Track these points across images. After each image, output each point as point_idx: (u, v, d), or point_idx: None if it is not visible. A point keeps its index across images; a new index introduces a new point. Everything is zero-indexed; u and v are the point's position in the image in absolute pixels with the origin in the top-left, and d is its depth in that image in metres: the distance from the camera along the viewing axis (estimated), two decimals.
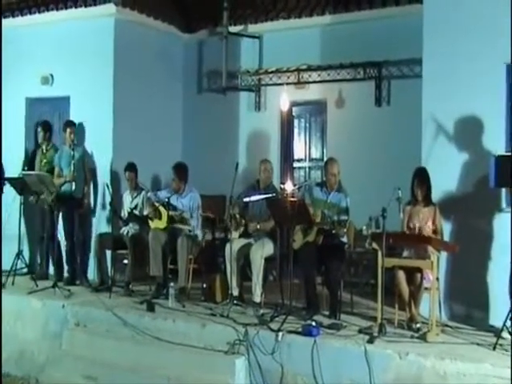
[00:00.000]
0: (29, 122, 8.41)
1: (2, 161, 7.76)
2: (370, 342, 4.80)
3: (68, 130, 7.37)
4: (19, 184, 7.20)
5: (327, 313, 5.69)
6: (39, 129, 7.69)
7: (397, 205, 5.23)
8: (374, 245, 5.27)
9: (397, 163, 7.10)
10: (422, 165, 5.72)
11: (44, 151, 7.67)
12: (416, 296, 5.27)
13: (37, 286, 6.77)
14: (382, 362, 4.63)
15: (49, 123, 7.77)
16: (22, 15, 8.23)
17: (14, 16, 8.29)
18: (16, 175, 7.51)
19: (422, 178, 5.48)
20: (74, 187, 7.20)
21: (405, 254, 5.57)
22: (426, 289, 5.23)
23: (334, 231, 5.59)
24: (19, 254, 7.18)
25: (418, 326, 5.20)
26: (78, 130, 7.67)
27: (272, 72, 8.28)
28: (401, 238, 5.40)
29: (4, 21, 8.35)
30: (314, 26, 7.98)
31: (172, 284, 6.18)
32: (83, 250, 7.32)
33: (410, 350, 4.63)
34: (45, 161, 7.62)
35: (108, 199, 7.26)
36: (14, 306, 6.47)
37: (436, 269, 5.17)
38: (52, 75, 8.16)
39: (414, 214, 5.50)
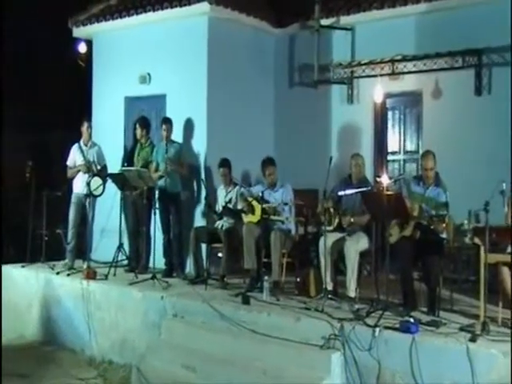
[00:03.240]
0: (127, 119, 8.73)
1: (106, 158, 8.12)
2: (473, 340, 4.60)
3: (164, 126, 7.55)
4: (120, 180, 7.51)
5: (425, 309, 5.52)
6: (137, 125, 7.88)
7: (500, 198, 4.99)
8: (476, 240, 5.04)
9: (499, 154, 6.79)
10: None
11: (142, 147, 7.87)
12: None
13: (137, 277, 7.03)
14: (486, 361, 4.42)
15: (146, 120, 7.94)
16: (121, 17, 8.57)
17: (113, 19, 8.65)
18: (116, 171, 7.79)
19: None
20: (169, 182, 7.42)
21: (509, 249, 5.28)
22: None
23: (432, 226, 5.40)
24: (120, 246, 7.50)
25: None
26: (186, 126, 7.93)
27: (365, 64, 8.13)
28: (505, 232, 5.13)
29: (104, 24, 8.79)
30: (408, 14, 7.76)
31: (266, 277, 6.22)
32: (179, 243, 7.50)
33: None
34: (139, 157, 7.80)
35: (203, 194, 7.43)
36: (116, 297, 6.79)
37: None
38: (149, 74, 8.43)
39: None
